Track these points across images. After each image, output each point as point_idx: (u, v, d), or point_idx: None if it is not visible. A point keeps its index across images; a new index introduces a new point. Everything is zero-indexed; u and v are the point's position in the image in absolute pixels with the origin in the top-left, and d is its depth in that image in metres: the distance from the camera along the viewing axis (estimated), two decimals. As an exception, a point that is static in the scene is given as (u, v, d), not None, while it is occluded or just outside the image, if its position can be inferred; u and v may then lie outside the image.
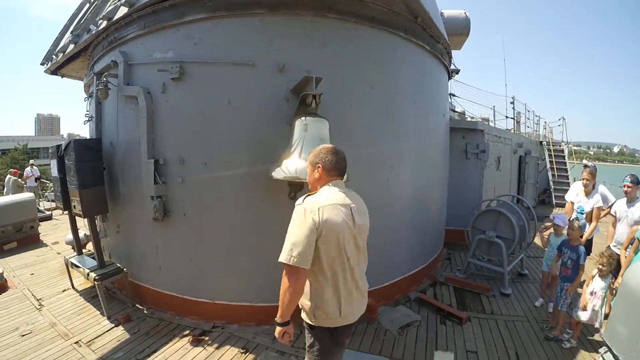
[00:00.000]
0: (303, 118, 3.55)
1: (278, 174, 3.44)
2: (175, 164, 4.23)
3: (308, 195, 2.27)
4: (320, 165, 2.35)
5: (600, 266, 3.75)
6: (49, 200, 13.67)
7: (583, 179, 4.98)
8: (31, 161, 14.14)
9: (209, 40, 4.05)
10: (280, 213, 4.11)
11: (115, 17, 4.55)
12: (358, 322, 2.42)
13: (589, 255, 4.94)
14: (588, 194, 4.96)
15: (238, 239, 4.22)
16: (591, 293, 3.77)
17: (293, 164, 3.39)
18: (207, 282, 4.37)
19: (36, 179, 12.45)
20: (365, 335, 4.11)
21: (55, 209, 11.57)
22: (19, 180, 11.82)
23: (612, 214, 4.71)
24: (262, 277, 4.26)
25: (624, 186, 4.49)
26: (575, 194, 5.20)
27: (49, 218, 10.76)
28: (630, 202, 4.45)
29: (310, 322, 2.36)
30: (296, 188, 3.55)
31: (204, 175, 4.16)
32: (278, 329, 2.32)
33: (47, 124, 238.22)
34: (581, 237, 4.32)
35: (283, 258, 2.18)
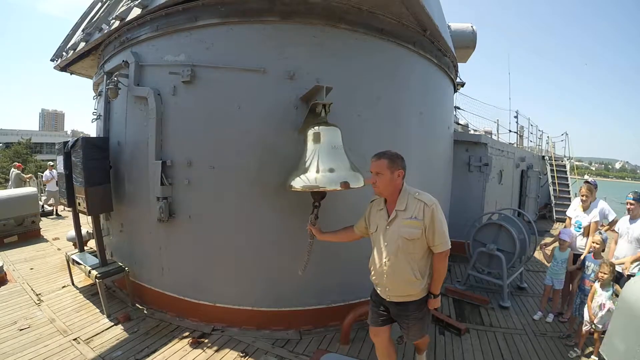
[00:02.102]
0: (316, 127, 3.57)
1: (297, 183, 3.45)
2: (183, 166, 4.26)
3: (421, 194, 2.67)
4: (402, 171, 2.71)
5: (602, 274, 3.83)
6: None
7: (582, 195, 5.01)
8: (50, 163, 13.46)
9: (220, 45, 4.09)
10: (284, 219, 4.16)
11: (128, 18, 4.59)
12: None
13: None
14: (586, 209, 4.99)
15: (242, 243, 4.23)
16: (599, 306, 3.82)
17: (312, 174, 3.42)
18: (209, 284, 4.38)
19: (57, 183, 11.98)
20: (364, 342, 4.11)
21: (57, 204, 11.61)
22: (22, 174, 11.83)
23: (615, 231, 4.73)
24: (264, 282, 4.29)
25: (627, 203, 4.51)
26: (573, 209, 5.24)
27: (50, 214, 10.80)
28: (633, 219, 4.47)
29: (421, 297, 2.72)
30: (319, 197, 3.54)
31: (210, 178, 4.18)
32: (439, 299, 2.77)
33: (52, 119, 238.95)
34: (603, 250, 4.47)
35: (448, 245, 2.61)
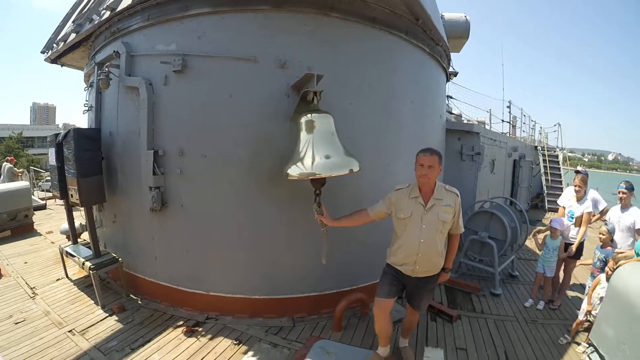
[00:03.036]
0: (308, 115, 3.57)
1: (294, 171, 3.44)
2: (175, 155, 4.25)
3: (449, 186, 3.19)
4: (442, 167, 3.15)
5: (609, 269, 3.81)
6: (43, 190, 13.60)
7: (575, 186, 5.02)
8: None
9: (212, 34, 4.06)
10: (277, 207, 4.18)
11: (119, 8, 4.54)
12: None
13: (578, 259, 5.04)
14: (580, 199, 5.02)
15: (234, 232, 4.26)
16: (600, 298, 3.81)
17: (309, 162, 3.43)
18: (202, 273, 4.40)
19: None
20: (357, 329, 4.17)
21: (50, 198, 11.54)
22: (14, 168, 11.75)
23: (605, 221, 4.79)
24: (257, 270, 4.32)
25: (619, 192, 4.57)
26: (567, 199, 5.29)
27: (44, 207, 10.73)
28: (624, 208, 4.54)
29: (438, 271, 3.26)
30: (319, 184, 3.55)
31: (202, 167, 4.18)
32: (449, 273, 3.47)
33: (43, 113, 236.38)
34: (612, 240, 4.49)
35: (463, 228, 3.30)
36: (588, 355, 3.53)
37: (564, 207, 5.28)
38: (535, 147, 15.33)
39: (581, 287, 5.74)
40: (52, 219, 9.50)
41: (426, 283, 3.25)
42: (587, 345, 3.80)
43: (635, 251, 3.90)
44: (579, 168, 6.55)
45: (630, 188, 4.52)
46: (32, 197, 9.84)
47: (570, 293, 5.43)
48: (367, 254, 3.85)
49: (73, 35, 5.69)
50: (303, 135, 3.57)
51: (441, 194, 3.11)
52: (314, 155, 3.43)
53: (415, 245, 3.07)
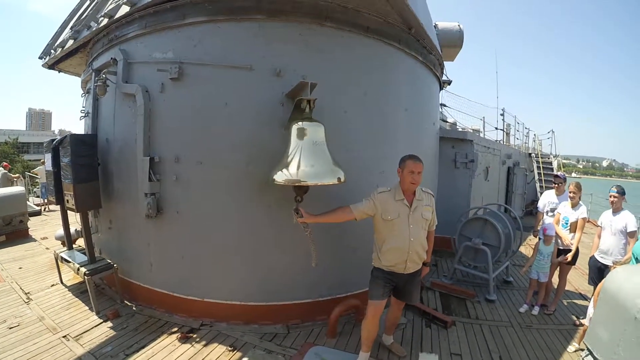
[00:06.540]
0: (300, 123, 3.61)
1: (279, 177, 3.49)
2: (171, 162, 4.28)
3: (425, 188, 3.57)
4: None
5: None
6: (38, 196, 13.53)
7: (570, 192, 5.07)
8: None
9: (208, 43, 4.12)
10: (272, 214, 4.20)
11: (117, 15, 4.60)
12: None
13: (574, 265, 5.08)
14: (574, 206, 5.07)
15: (230, 238, 4.27)
16: None
17: (294, 169, 3.47)
18: (198, 280, 4.41)
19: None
20: (352, 335, 4.18)
21: (45, 204, 11.49)
22: (9, 174, 11.72)
23: (598, 225, 4.84)
24: (253, 276, 4.33)
25: (610, 196, 4.64)
26: (543, 203, 5.40)
27: (39, 213, 10.70)
28: (616, 212, 4.60)
29: (421, 265, 3.55)
30: (302, 191, 3.60)
31: (198, 174, 4.21)
32: (428, 268, 3.77)
33: (39, 119, 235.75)
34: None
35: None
36: (583, 359, 3.55)
37: (543, 213, 5.37)
38: (530, 154, 15.45)
39: (576, 292, 5.79)
40: (47, 225, 9.47)
41: (415, 276, 3.54)
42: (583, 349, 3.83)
43: (633, 254, 3.93)
44: (557, 172, 6.53)
45: (621, 192, 4.60)
46: (27, 202, 9.84)
47: (565, 298, 5.47)
48: (360, 260, 3.89)
49: (71, 42, 5.74)
50: (292, 142, 3.61)
51: (421, 195, 3.46)
52: (300, 162, 3.48)
53: (406, 243, 3.32)
